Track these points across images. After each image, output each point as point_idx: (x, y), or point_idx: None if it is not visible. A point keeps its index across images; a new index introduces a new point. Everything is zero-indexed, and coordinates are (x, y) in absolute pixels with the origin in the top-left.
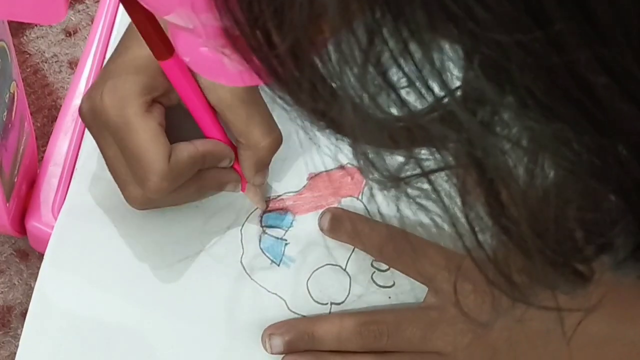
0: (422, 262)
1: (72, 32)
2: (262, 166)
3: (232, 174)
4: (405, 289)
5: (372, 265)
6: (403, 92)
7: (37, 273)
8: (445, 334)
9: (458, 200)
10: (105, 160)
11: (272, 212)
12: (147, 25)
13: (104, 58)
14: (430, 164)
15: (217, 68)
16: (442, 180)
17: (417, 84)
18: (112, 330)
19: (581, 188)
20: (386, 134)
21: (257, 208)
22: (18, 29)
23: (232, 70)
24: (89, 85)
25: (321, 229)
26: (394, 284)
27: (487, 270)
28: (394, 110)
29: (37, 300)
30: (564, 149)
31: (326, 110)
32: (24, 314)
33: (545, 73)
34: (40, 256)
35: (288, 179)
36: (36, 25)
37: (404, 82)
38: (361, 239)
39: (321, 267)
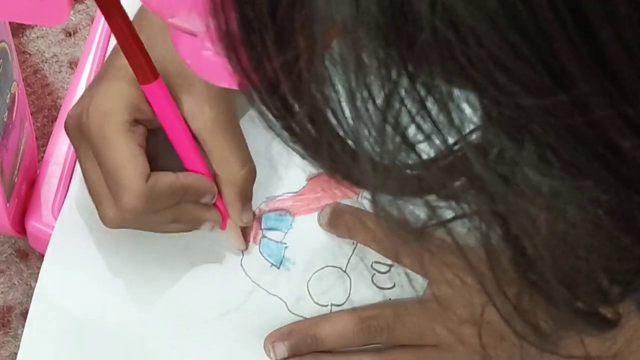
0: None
1: (72, 32)
2: (245, 199)
3: (212, 213)
4: (405, 291)
5: (372, 266)
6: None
7: (37, 273)
8: (444, 327)
9: (482, 254)
10: (84, 175)
11: (271, 212)
12: (133, 48)
13: (104, 58)
14: (450, 214)
15: (219, 71)
16: (465, 234)
17: (435, 140)
18: (111, 331)
19: (607, 239)
20: (405, 186)
21: (256, 209)
22: (18, 29)
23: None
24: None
25: (320, 225)
26: (394, 286)
27: (513, 321)
28: (412, 160)
29: (37, 300)
30: (589, 203)
31: (344, 167)
32: (24, 314)
33: (569, 132)
34: (40, 256)
35: (287, 179)
36: (36, 26)
37: (421, 137)
38: (361, 232)
39: (321, 268)
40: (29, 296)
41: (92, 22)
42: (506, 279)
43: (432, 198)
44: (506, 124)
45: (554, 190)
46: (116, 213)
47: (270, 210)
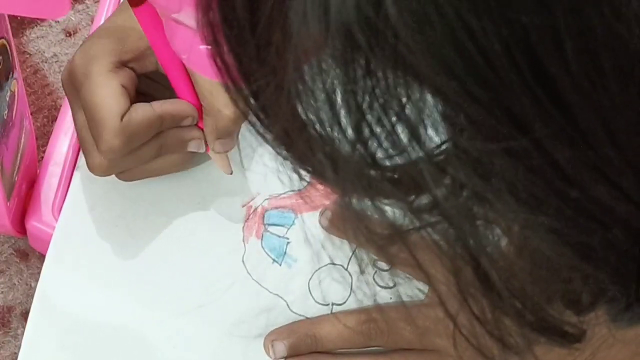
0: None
1: (72, 32)
2: (224, 135)
3: (194, 132)
4: (407, 290)
5: (374, 265)
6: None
7: (37, 273)
8: (444, 332)
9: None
10: (75, 126)
11: (274, 210)
12: None
13: None
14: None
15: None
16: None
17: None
18: (112, 331)
19: (568, 268)
20: (374, 189)
21: (259, 206)
22: (18, 29)
23: None
24: None
25: (322, 226)
26: (395, 284)
27: (474, 337)
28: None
29: (39, 300)
30: (550, 236)
31: (316, 166)
32: (24, 314)
33: (529, 171)
34: (40, 256)
35: (291, 177)
36: (36, 25)
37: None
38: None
39: (323, 266)
40: (29, 296)
41: (92, 22)
42: (471, 293)
43: (397, 208)
44: (469, 161)
45: (515, 222)
46: (101, 158)
47: (273, 208)
